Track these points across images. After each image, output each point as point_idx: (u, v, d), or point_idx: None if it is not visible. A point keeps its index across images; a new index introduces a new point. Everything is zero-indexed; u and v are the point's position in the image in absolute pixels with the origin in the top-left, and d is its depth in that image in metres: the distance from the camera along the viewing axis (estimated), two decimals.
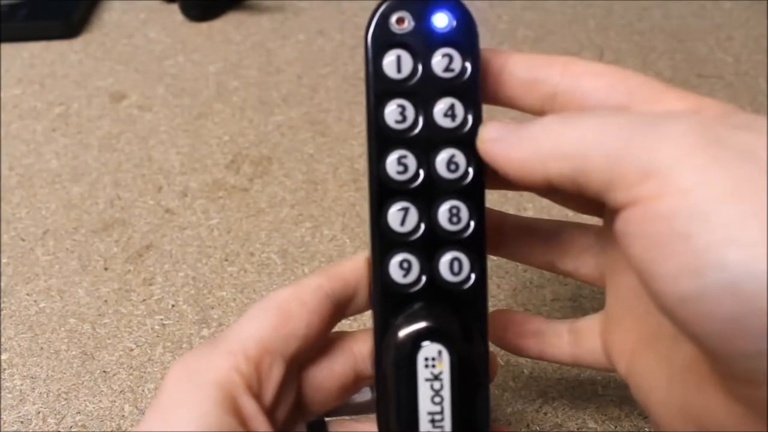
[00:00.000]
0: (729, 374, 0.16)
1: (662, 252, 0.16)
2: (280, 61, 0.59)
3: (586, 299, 0.38)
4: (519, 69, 0.22)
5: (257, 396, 0.20)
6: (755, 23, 0.61)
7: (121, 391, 0.34)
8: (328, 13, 0.64)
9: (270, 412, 0.21)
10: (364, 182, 0.46)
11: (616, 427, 0.32)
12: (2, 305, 0.39)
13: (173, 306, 0.38)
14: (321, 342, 0.23)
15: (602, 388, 0.33)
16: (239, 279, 0.40)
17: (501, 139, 0.20)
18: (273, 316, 0.21)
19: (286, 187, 0.46)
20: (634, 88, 0.20)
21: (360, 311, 0.24)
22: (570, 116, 0.19)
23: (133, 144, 0.50)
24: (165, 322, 0.38)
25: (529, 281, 0.39)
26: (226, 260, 0.41)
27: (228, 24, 0.64)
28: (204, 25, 0.64)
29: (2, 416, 0.33)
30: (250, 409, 0.20)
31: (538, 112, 0.22)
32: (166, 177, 0.47)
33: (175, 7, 0.66)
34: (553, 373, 0.34)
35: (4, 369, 0.36)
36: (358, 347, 0.23)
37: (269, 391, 0.21)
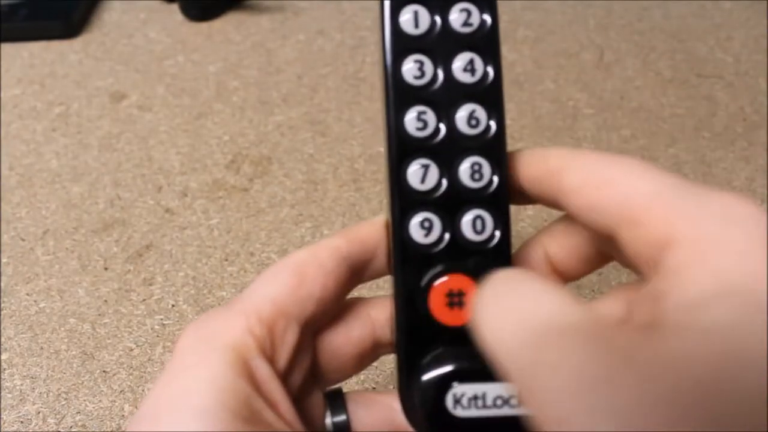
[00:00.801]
0: None
1: None
2: (280, 61, 0.59)
3: (586, 298, 0.38)
4: None
5: (271, 359, 0.19)
6: (755, 23, 0.61)
7: (121, 391, 0.34)
8: (328, 13, 0.64)
9: (284, 377, 0.20)
10: (364, 182, 0.46)
11: None
12: (2, 305, 0.39)
13: (173, 306, 0.38)
14: (337, 307, 0.22)
15: None
16: (239, 279, 0.40)
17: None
18: (289, 277, 0.20)
19: (286, 187, 0.46)
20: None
21: (377, 276, 0.23)
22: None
23: (133, 144, 0.50)
24: (165, 322, 0.38)
25: None
26: (226, 260, 0.41)
27: (228, 24, 0.64)
28: (204, 25, 0.64)
29: (2, 416, 0.33)
30: (263, 372, 0.19)
31: None
32: (166, 177, 0.47)
33: (175, 7, 0.66)
34: None
35: (4, 369, 0.36)
36: (375, 313, 0.23)
37: (283, 355, 0.20)
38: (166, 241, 0.42)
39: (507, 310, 0.16)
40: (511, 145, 0.21)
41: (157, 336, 0.37)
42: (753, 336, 0.14)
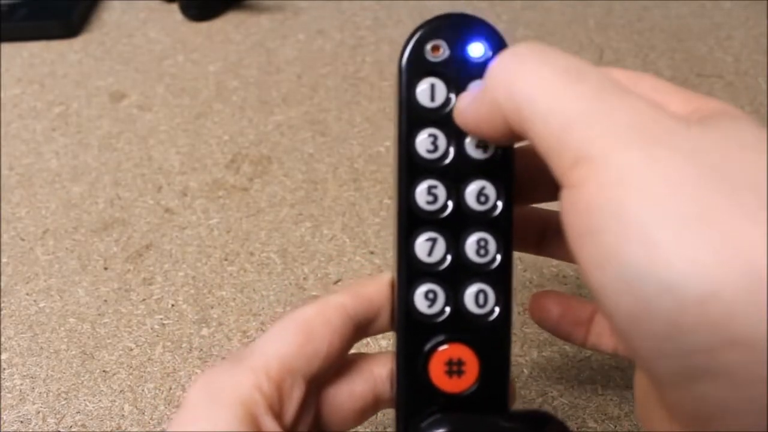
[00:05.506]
0: (651, 380, 0.17)
1: (581, 240, 0.16)
2: (280, 60, 0.59)
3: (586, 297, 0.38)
4: None
5: (278, 415, 0.20)
6: (755, 23, 0.61)
7: (120, 391, 0.34)
8: (328, 13, 0.64)
9: (290, 431, 0.21)
10: (364, 182, 0.46)
11: (615, 426, 0.32)
12: (2, 305, 0.39)
13: (173, 306, 0.38)
14: (340, 362, 0.23)
15: (602, 388, 0.34)
16: (239, 278, 0.40)
17: (467, 99, 0.20)
18: (296, 334, 0.21)
19: (286, 187, 0.46)
20: (644, 89, 0.19)
21: (380, 332, 0.23)
22: (531, 56, 0.18)
23: (132, 144, 0.50)
24: (165, 322, 0.38)
25: (529, 281, 0.39)
26: (226, 260, 0.41)
27: (228, 24, 0.64)
28: (204, 25, 0.64)
29: (2, 416, 0.33)
30: (271, 428, 0.20)
31: None
32: (166, 177, 0.47)
33: (175, 7, 0.66)
34: (553, 372, 0.34)
35: (4, 369, 0.36)
36: (378, 370, 0.23)
37: (290, 411, 0.21)
38: (166, 240, 0.42)
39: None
40: None
41: (157, 336, 0.37)
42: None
